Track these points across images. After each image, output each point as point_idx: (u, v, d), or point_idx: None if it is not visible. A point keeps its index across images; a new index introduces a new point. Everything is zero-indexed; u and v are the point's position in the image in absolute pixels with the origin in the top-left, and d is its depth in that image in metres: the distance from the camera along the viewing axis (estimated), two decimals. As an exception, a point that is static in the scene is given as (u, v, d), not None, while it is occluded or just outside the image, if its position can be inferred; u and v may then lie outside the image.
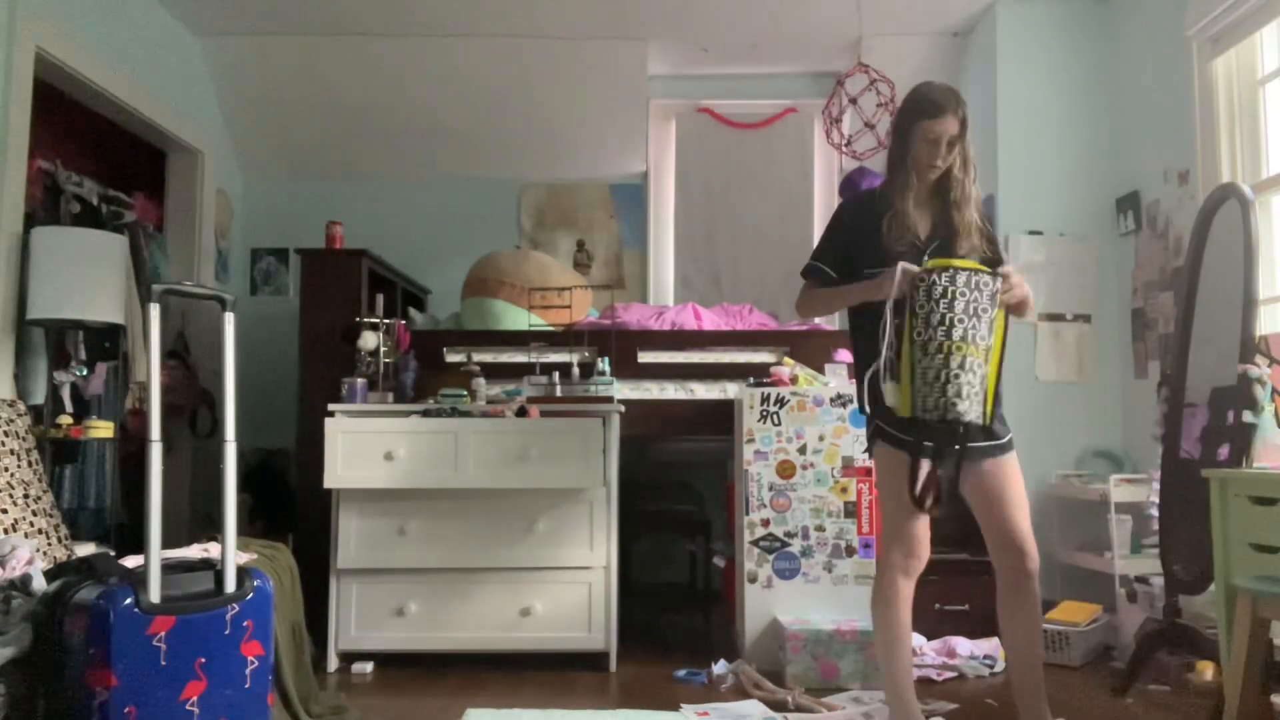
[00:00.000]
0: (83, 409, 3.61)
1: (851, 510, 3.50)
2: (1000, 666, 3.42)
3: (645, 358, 4.01)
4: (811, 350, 3.98)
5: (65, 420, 3.43)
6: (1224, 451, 2.87)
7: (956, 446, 2.38)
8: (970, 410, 2.23)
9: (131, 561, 2.25)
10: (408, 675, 3.35)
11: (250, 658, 2.10)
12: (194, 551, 2.60)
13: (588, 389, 3.73)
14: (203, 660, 2.00)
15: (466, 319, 4.27)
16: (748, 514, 3.51)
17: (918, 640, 3.61)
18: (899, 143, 2.48)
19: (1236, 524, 2.46)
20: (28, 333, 3.44)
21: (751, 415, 3.54)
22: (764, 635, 3.45)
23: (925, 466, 2.39)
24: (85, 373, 3.64)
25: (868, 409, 2.57)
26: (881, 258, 2.42)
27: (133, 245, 3.90)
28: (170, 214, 4.72)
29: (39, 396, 3.48)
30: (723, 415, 3.88)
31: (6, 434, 2.99)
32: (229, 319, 2.20)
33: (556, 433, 3.41)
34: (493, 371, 3.84)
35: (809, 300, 2.69)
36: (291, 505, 4.21)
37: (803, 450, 3.52)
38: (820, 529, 3.50)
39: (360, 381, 3.58)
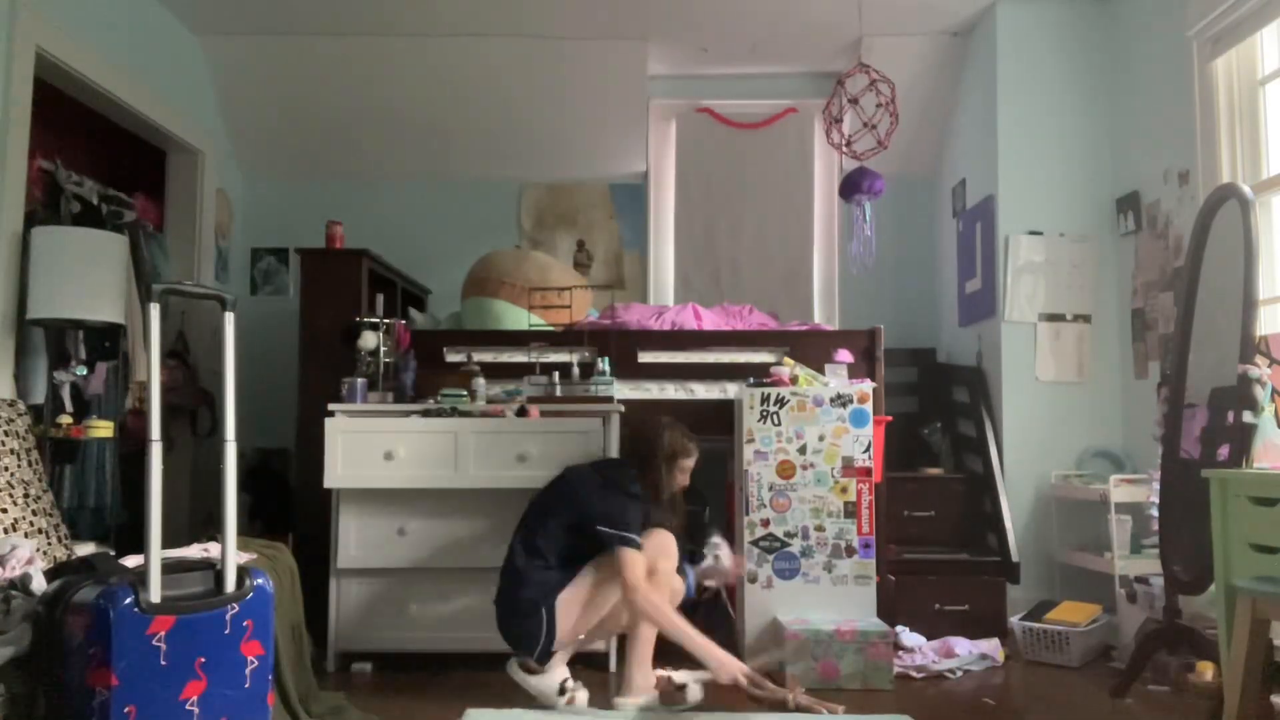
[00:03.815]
0: (83, 409, 3.61)
1: (851, 510, 3.49)
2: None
3: (645, 358, 4.01)
4: (811, 350, 3.98)
5: (65, 420, 3.43)
6: (1224, 451, 2.87)
7: None
8: None
9: (131, 561, 2.25)
10: (408, 675, 3.35)
11: (250, 657, 2.10)
12: (194, 551, 2.60)
13: (588, 389, 3.73)
14: (203, 660, 2.00)
15: (466, 319, 4.27)
16: (748, 514, 3.51)
17: (917, 640, 3.61)
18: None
19: (1236, 524, 2.46)
20: (28, 332, 3.44)
21: (751, 415, 3.54)
22: (764, 635, 3.45)
23: None
24: (85, 372, 3.64)
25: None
26: None
27: (133, 245, 3.90)
28: (170, 214, 4.72)
29: (39, 396, 3.48)
30: (723, 415, 3.88)
31: (6, 434, 2.99)
32: (229, 319, 2.20)
33: (556, 433, 3.41)
34: (493, 371, 3.84)
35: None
36: (291, 505, 4.21)
37: (803, 450, 3.52)
38: (820, 529, 3.50)
39: (360, 381, 3.58)
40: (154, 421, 2.03)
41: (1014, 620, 3.71)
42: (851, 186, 4.37)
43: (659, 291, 5.35)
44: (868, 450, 3.52)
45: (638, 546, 2.96)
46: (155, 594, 1.95)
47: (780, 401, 3.54)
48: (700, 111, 5.37)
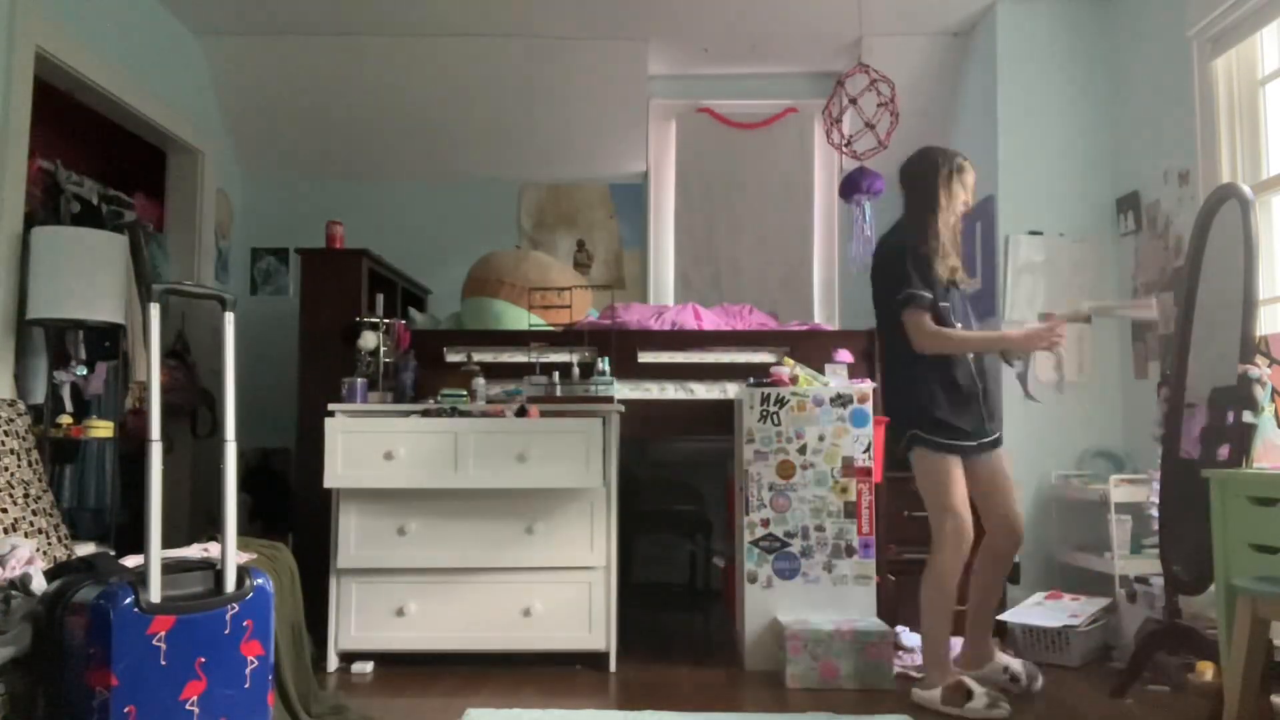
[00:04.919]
0: (83, 409, 3.61)
1: (851, 510, 3.49)
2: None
3: (645, 358, 4.01)
4: (811, 350, 3.98)
5: (65, 420, 3.43)
6: (1224, 451, 2.87)
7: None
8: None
9: (131, 561, 2.25)
10: (408, 675, 3.35)
11: (250, 657, 2.10)
12: (194, 551, 2.60)
13: (588, 389, 3.73)
14: (203, 660, 2.00)
15: (466, 319, 4.27)
16: (748, 514, 3.51)
17: (917, 640, 3.61)
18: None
19: (1236, 524, 2.46)
20: (28, 333, 3.44)
21: (751, 415, 3.54)
22: (764, 635, 3.45)
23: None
24: (85, 372, 3.64)
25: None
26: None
27: (133, 245, 3.90)
28: (170, 214, 4.72)
29: (39, 396, 3.48)
30: (723, 415, 3.88)
31: (6, 434, 2.99)
32: (229, 319, 2.20)
33: (556, 433, 3.41)
34: (493, 371, 3.84)
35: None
36: (291, 505, 4.21)
37: (803, 450, 3.52)
38: (820, 529, 3.50)
39: (360, 381, 3.58)
40: (154, 421, 2.03)
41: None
42: (851, 186, 4.37)
43: (659, 291, 5.35)
44: (868, 450, 3.52)
45: (920, 303, 2.98)
46: (155, 594, 1.95)
47: (780, 401, 3.54)
48: (700, 111, 5.37)
